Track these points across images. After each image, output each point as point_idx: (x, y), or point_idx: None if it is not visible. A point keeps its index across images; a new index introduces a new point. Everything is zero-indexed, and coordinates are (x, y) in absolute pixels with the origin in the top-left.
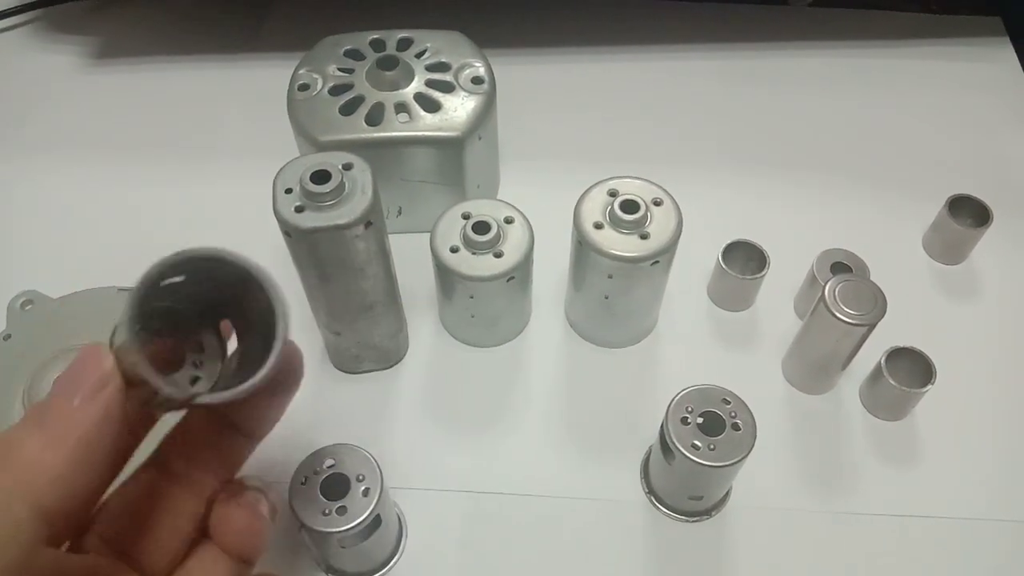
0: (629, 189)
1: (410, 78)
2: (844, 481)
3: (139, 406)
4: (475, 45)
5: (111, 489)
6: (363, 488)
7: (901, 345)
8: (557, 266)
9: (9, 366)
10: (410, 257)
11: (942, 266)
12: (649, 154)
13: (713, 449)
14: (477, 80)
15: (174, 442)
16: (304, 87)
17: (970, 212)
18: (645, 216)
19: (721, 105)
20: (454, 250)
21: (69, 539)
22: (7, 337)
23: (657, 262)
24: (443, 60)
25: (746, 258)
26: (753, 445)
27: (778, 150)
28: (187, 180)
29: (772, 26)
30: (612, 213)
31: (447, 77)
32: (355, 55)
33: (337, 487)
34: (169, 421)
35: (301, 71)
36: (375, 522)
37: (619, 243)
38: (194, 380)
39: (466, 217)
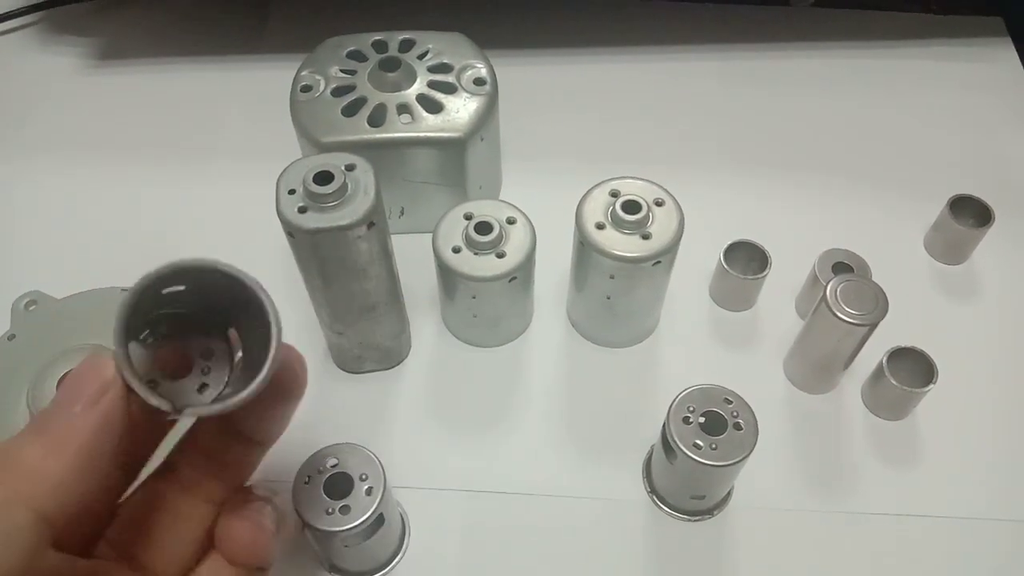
0: (631, 189)
1: (412, 79)
2: (846, 480)
3: (143, 414)
4: (477, 46)
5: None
6: (366, 487)
7: (902, 345)
8: (559, 266)
9: (13, 366)
10: (412, 257)
11: (943, 266)
12: (650, 155)
13: (715, 449)
14: (479, 81)
15: (184, 449)
16: (306, 88)
17: (971, 212)
18: (647, 216)
19: (722, 105)
20: (456, 250)
21: (78, 544)
22: (11, 337)
23: (659, 262)
24: (445, 61)
25: (747, 258)
26: (755, 445)
27: (780, 150)
28: (190, 181)
29: (773, 27)
30: (614, 213)
31: (449, 78)
32: (357, 56)
33: (340, 486)
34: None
35: (303, 72)
36: (378, 521)
37: (621, 243)
38: (202, 387)
39: (468, 218)
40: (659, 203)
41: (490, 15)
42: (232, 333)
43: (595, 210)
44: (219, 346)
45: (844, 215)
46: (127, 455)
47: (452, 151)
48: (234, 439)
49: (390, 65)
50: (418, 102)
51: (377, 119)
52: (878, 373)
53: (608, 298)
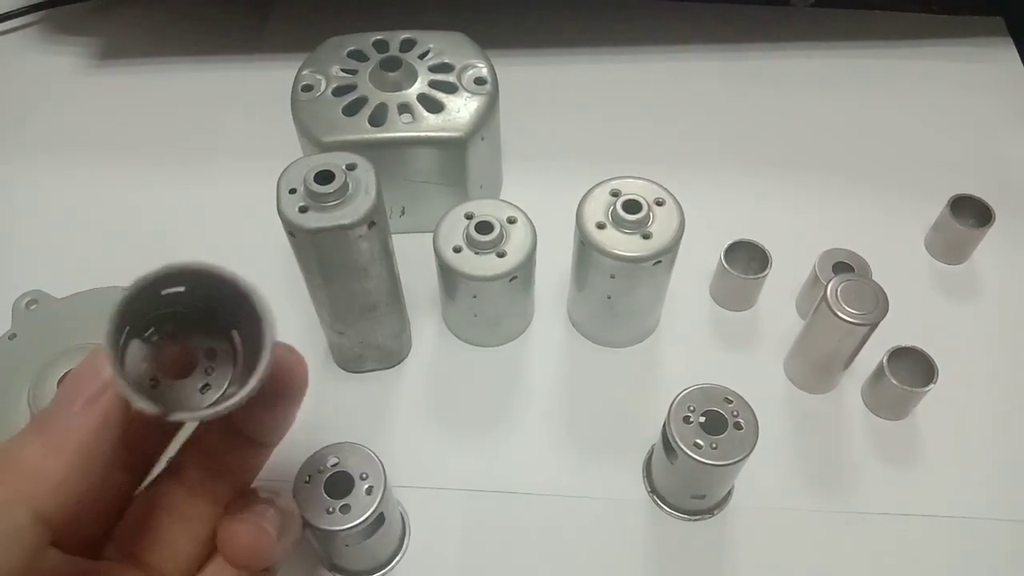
0: (631, 189)
1: (413, 79)
2: (846, 480)
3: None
4: (478, 46)
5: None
6: (366, 486)
7: (903, 345)
8: (559, 266)
9: (15, 365)
10: (413, 257)
11: (944, 266)
12: (651, 154)
13: (715, 448)
14: (480, 81)
15: (189, 450)
16: (307, 88)
17: (972, 212)
18: (647, 216)
19: (723, 105)
20: (457, 250)
21: (85, 545)
22: (12, 337)
23: (659, 262)
24: (446, 61)
25: (748, 258)
26: (755, 444)
27: (780, 150)
28: (190, 181)
29: (774, 26)
30: (614, 213)
31: (450, 78)
32: (358, 56)
33: (341, 485)
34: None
35: (304, 72)
36: (378, 520)
37: (621, 243)
38: (204, 387)
39: (469, 217)
40: (660, 203)
41: (491, 15)
42: (235, 334)
43: (596, 210)
44: (223, 347)
45: (844, 215)
46: (134, 456)
47: (453, 151)
48: (238, 440)
49: (391, 65)
50: (419, 102)
51: (378, 119)
52: (878, 373)
53: (609, 298)
